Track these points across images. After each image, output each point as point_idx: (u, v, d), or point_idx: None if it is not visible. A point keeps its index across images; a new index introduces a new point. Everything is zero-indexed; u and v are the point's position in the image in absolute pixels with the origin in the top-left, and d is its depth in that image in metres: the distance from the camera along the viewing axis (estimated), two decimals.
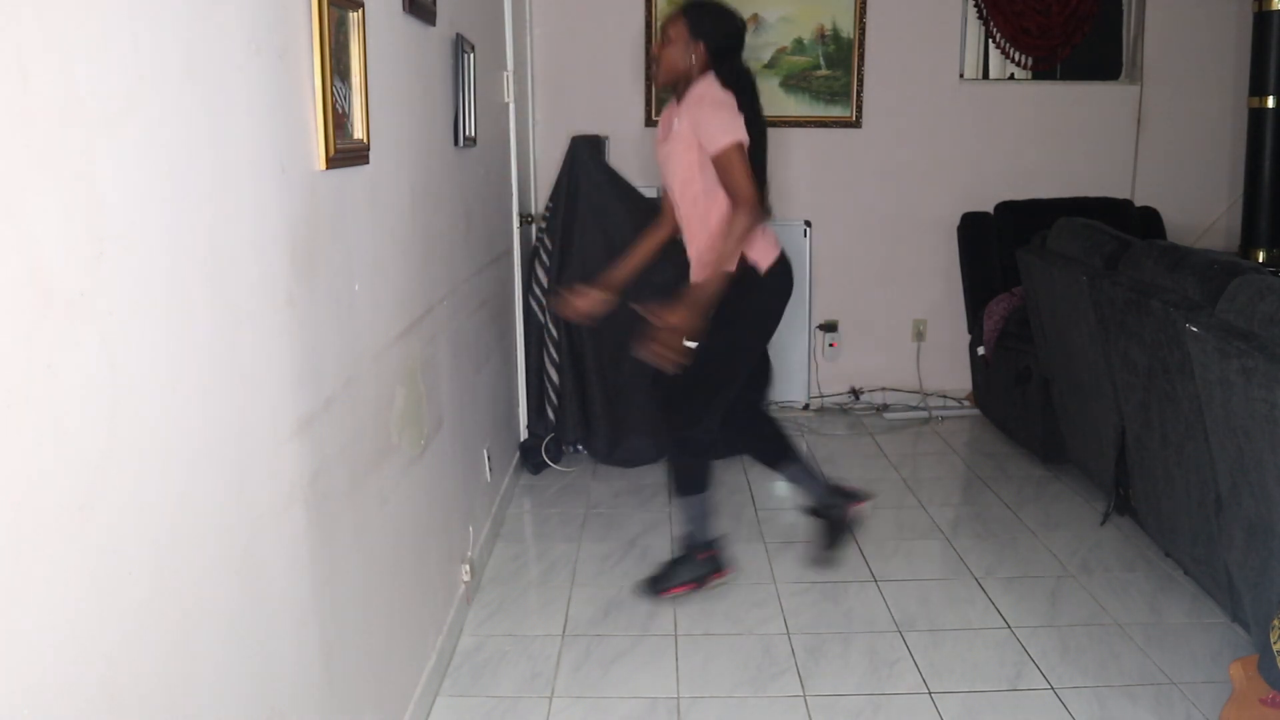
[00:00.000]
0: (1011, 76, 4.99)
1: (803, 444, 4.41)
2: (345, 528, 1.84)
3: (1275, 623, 2.09)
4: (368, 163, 1.96)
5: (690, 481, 2.95)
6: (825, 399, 4.93)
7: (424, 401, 2.41)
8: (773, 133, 2.90)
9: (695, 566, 2.98)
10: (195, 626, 1.28)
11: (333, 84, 1.73)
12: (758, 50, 4.66)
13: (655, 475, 3.92)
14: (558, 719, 2.39)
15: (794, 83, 4.75)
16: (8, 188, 0.93)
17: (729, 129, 2.63)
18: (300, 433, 1.62)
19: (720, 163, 2.64)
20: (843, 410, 4.91)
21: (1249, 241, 4.46)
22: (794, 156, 4.69)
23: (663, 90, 4.08)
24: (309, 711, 1.67)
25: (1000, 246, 4.61)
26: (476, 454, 3.13)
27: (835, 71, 4.75)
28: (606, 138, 4.51)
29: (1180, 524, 2.86)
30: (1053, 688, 2.48)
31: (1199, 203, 4.94)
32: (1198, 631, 2.74)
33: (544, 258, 3.93)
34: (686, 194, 2.77)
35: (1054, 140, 4.88)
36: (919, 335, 4.99)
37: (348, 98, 1.83)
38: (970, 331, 4.78)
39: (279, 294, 1.55)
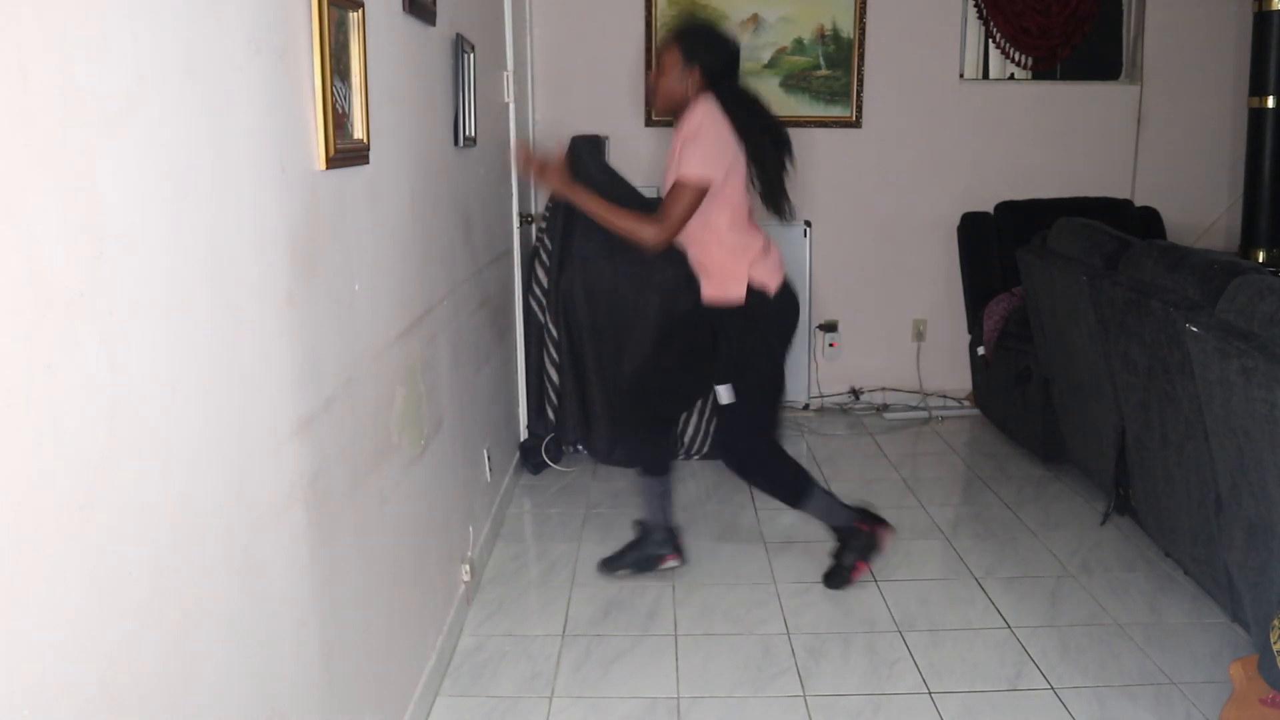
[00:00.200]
0: (1011, 76, 4.99)
1: (803, 444, 4.42)
2: (345, 528, 1.84)
3: (1275, 623, 2.09)
4: (368, 163, 1.96)
5: (778, 481, 3.00)
6: (825, 399, 4.93)
7: (424, 401, 2.41)
8: None
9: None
10: (195, 626, 1.28)
11: (333, 84, 1.73)
12: (758, 50, 4.66)
13: None
14: (558, 719, 2.39)
15: (794, 83, 4.75)
16: (8, 188, 0.93)
17: (704, 164, 2.64)
18: (300, 433, 1.62)
19: (675, 189, 2.67)
20: (843, 410, 4.91)
21: (1249, 241, 4.46)
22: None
23: (661, 117, 4.07)
24: (309, 711, 1.67)
25: (1000, 246, 4.61)
26: (476, 454, 3.13)
27: (835, 71, 4.75)
28: (606, 138, 4.51)
29: (1180, 524, 2.86)
30: (1053, 688, 2.48)
31: (1199, 203, 4.94)
32: (1198, 631, 2.74)
33: (544, 258, 3.93)
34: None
35: (1054, 140, 4.87)
36: (919, 335, 4.99)
37: (348, 98, 1.83)
38: (970, 331, 4.77)
39: (279, 294, 1.55)
